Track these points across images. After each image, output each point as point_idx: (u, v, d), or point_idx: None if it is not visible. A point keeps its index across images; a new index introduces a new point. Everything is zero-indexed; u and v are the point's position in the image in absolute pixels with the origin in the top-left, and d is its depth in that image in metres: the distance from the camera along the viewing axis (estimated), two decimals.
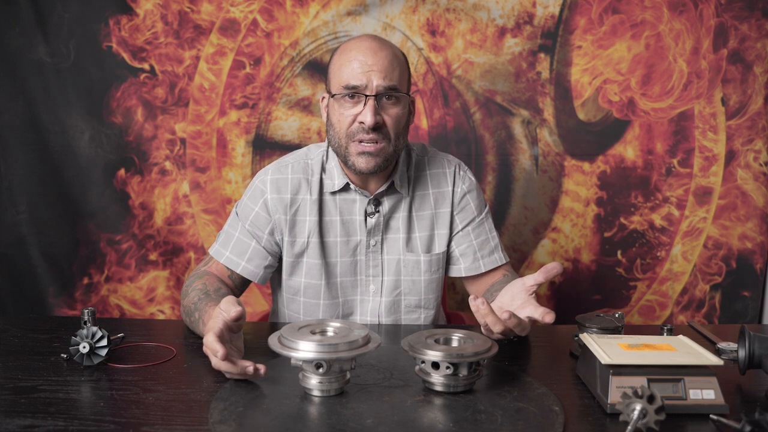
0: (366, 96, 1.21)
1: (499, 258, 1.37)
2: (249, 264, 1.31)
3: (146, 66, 1.98)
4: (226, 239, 1.33)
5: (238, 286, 1.35)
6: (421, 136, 2.01)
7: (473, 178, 1.41)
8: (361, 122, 1.21)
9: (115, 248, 2.03)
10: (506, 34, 1.97)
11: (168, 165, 2.02)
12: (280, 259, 1.36)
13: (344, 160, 1.27)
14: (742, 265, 2.01)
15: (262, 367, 0.95)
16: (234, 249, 1.32)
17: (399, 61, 1.25)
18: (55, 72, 1.96)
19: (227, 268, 1.32)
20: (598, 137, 2.00)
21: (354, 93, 1.21)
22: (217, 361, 0.95)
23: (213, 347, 0.94)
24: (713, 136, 1.98)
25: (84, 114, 1.97)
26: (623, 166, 2.00)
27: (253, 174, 1.99)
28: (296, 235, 1.32)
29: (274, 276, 1.42)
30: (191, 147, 2.01)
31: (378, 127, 1.22)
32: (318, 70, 1.99)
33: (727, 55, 1.95)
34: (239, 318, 0.98)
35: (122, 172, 2.01)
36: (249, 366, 0.94)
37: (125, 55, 1.97)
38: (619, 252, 2.04)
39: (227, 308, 0.98)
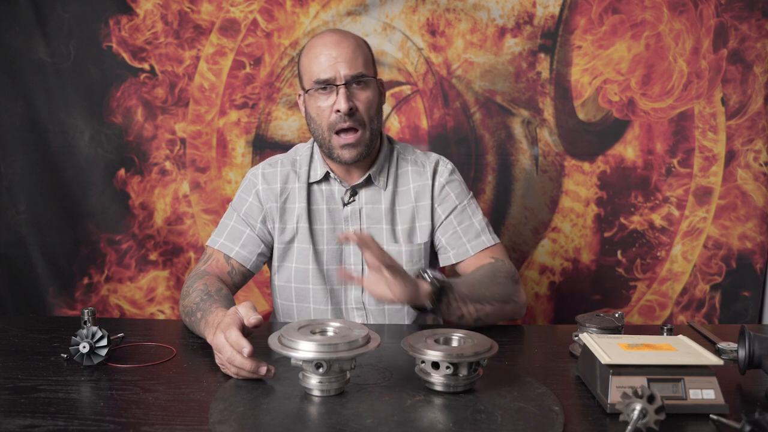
0: (337, 86, 1.29)
1: (487, 240, 1.40)
2: (242, 250, 1.38)
3: (146, 66, 1.98)
4: (222, 229, 1.41)
5: (237, 283, 1.40)
6: (421, 136, 2.01)
7: (454, 171, 1.47)
8: (337, 110, 1.29)
9: (115, 248, 2.03)
10: (506, 34, 1.97)
11: (168, 165, 2.02)
12: (272, 250, 1.42)
13: (328, 153, 1.35)
14: (742, 265, 2.01)
15: (272, 369, 0.96)
16: (228, 236, 1.39)
17: (362, 48, 1.35)
18: (55, 72, 1.96)
19: (225, 259, 1.37)
20: (598, 137, 2.00)
21: (325, 85, 1.30)
22: (241, 359, 0.95)
23: (239, 343, 0.95)
24: (713, 136, 1.98)
25: (84, 114, 1.97)
26: (623, 166, 2.00)
27: None
28: (286, 222, 1.39)
29: (270, 268, 1.47)
30: (191, 147, 2.01)
31: (353, 113, 1.30)
32: None
33: (727, 55, 1.95)
34: (258, 326, 1.00)
35: (122, 172, 2.01)
36: (263, 366, 0.95)
37: (125, 55, 1.97)
38: (619, 252, 2.04)
39: (247, 313, 1.01)
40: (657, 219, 2.02)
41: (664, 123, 1.98)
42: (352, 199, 1.40)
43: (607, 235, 2.03)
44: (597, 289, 2.05)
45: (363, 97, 1.32)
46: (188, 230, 2.04)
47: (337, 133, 1.32)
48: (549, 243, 2.05)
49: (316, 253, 1.38)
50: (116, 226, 2.02)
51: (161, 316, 2.05)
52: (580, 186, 2.02)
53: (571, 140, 2.01)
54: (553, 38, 1.97)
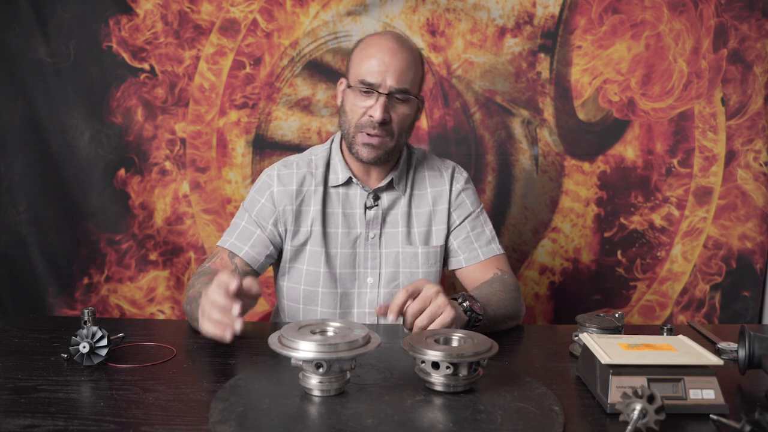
0: (379, 93, 1.29)
1: (497, 248, 1.45)
2: (251, 250, 1.37)
3: (146, 66, 1.98)
4: (233, 229, 1.41)
5: None
6: (421, 136, 2.01)
7: (469, 179, 1.51)
8: (371, 116, 1.30)
9: (115, 248, 2.03)
10: (506, 34, 1.97)
11: (168, 165, 2.02)
12: (280, 253, 1.42)
13: (349, 146, 1.36)
14: (742, 265, 2.01)
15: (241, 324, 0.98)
16: (239, 236, 1.39)
17: (415, 64, 1.34)
18: (55, 72, 1.96)
19: (229, 257, 1.36)
20: (598, 137, 2.00)
21: (369, 89, 1.30)
22: (223, 298, 0.98)
23: (225, 279, 0.98)
24: (713, 136, 1.98)
25: (84, 114, 1.97)
26: (623, 166, 2.01)
27: (253, 174, 2.01)
28: (300, 224, 1.39)
29: (276, 268, 1.47)
30: (191, 147, 2.01)
31: (385, 123, 1.30)
32: (318, 70, 1.99)
33: (727, 55, 1.95)
34: (257, 296, 1.01)
35: (122, 172, 2.01)
36: (239, 321, 0.97)
37: (125, 55, 1.97)
38: (619, 252, 2.04)
39: (249, 282, 1.01)
40: (657, 219, 2.02)
41: (664, 123, 1.98)
42: (376, 203, 1.40)
43: (607, 235, 2.03)
44: (597, 289, 2.05)
45: (400, 111, 1.32)
46: (188, 230, 2.03)
47: (365, 132, 1.33)
48: (549, 243, 2.05)
49: (329, 257, 1.38)
50: (116, 226, 2.02)
51: (161, 316, 2.05)
52: (580, 186, 2.02)
53: (571, 140, 2.01)
54: (553, 38, 1.97)
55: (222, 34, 1.97)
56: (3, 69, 1.95)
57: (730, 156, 1.98)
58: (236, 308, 0.97)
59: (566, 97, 1.99)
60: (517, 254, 2.05)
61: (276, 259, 1.43)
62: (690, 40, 1.94)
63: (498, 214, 2.04)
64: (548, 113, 2.00)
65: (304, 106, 2.00)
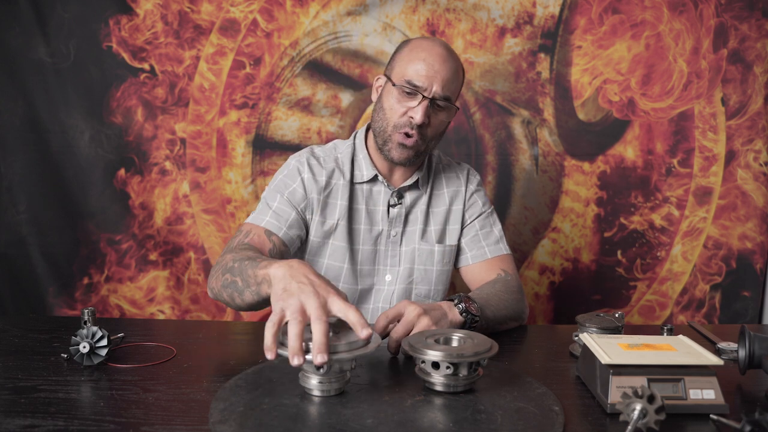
0: (423, 96, 1.30)
1: (504, 248, 1.48)
2: (290, 231, 1.34)
3: (146, 66, 1.98)
4: (264, 209, 1.36)
5: None
6: None
7: (480, 181, 1.55)
8: (411, 117, 1.31)
9: (115, 248, 2.03)
10: (506, 34, 1.97)
11: (168, 165, 2.02)
12: (304, 239, 1.40)
13: (382, 145, 1.37)
14: (742, 265, 2.01)
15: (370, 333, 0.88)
16: (275, 216, 1.35)
17: (458, 75, 1.37)
18: (55, 72, 1.96)
19: (266, 235, 1.32)
20: (598, 137, 2.00)
21: (413, 91, 1.31)
22: (356, 316, 0.87)
23: (360, 319, 0.87)
24: (713, 136, 1.98)
25: (84, 114, 1.98)
26: (623, 166, 2.01)
27: (253, 174, 2.01)
28: (327, 216, 1.39)
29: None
30: (191, 147, 2.01)
31: (422, 126, 1.32)
32: (318, 70, 1.99)
33: (727, 55, 1.95)
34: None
35: (122, 172, 2.01)
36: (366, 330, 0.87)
37: (125, 55, 1.97)
38: (619, 252, 2.04)
39: (359, 321, 0.89)
40: (657, 219, 2.02)
41: (664, 123, 1.98)
42: (399, 201, 1.42)
43: (607, 235, 2.03)
44: (597, 289, 2.05)
45: (439, 117, 1.34)
46: (188, 230, 2.04)
47: (401, 132, 1.33)
48: (549, 243, 2.05)
49: (353, 253, 1.39)
50: (116, 226, 2.02)
51: (161, 316, 2.05)
52: (580, 186, 2.02)
53: (571, 140, 2.01)
54: (553, 38, 1.97)
55: (222, 34, 1.97)
56: (3, 69, 1.96)
57: (730, 156, 1.98)
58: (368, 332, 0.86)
59: (566, 97, 1.99)
60: (517, 254, 2.05)
61: (299, 246, 1.41)
62: (690, 40, 1.94)
63: (498, 214, 2.02)
64: (548, 113, 2.00)
65: (304, 106, 2.00)
